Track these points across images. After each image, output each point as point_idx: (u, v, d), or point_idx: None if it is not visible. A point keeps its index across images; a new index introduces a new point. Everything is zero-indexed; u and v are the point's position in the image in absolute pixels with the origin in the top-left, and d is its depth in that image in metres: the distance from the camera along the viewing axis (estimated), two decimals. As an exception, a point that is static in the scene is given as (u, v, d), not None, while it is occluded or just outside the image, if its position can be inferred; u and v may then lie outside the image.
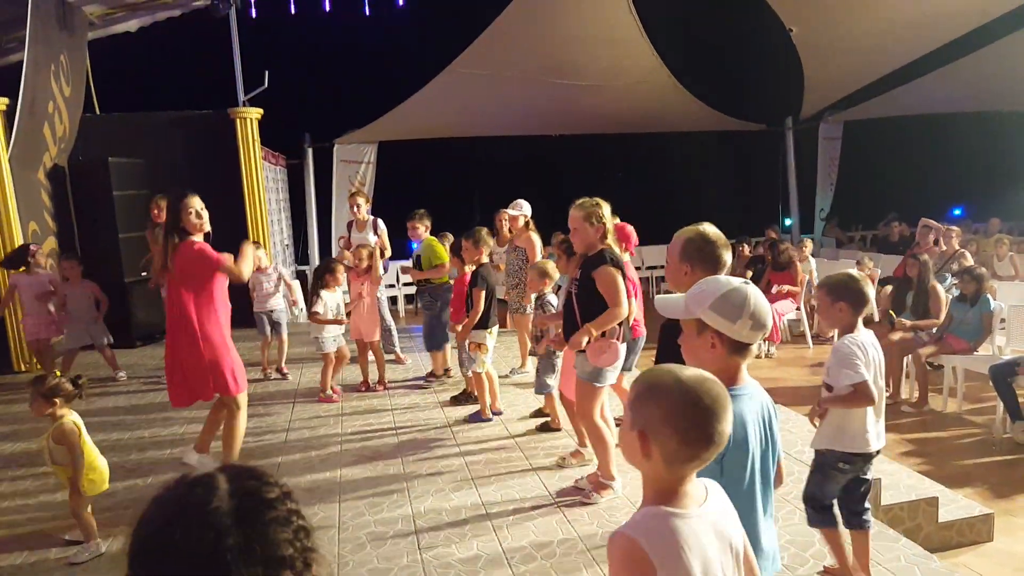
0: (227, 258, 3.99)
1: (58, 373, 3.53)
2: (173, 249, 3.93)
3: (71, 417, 3.42)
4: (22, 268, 6.65)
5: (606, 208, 3.73)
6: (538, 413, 5.17)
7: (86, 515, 3.50)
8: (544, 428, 4.96)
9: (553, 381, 4.87)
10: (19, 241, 7.23)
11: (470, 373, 5.44)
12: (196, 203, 3.95)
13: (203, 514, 0.88)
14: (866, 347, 2.91)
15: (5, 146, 7.13)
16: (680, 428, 1.34)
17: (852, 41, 10.54)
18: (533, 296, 5.52)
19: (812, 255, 9.49)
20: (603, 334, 3.64)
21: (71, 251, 7.37)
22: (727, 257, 2.40)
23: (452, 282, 6.31)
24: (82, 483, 3.40)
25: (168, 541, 0.87)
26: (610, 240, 3.75)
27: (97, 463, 3.52)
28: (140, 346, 8.24)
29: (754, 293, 1.81)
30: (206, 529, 0.87)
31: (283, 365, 6.76)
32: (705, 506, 1.40)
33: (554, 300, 5.16)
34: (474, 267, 5.28)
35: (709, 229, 2.44)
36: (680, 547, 1.33)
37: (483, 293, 5.12)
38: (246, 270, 4.11)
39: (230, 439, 4.16)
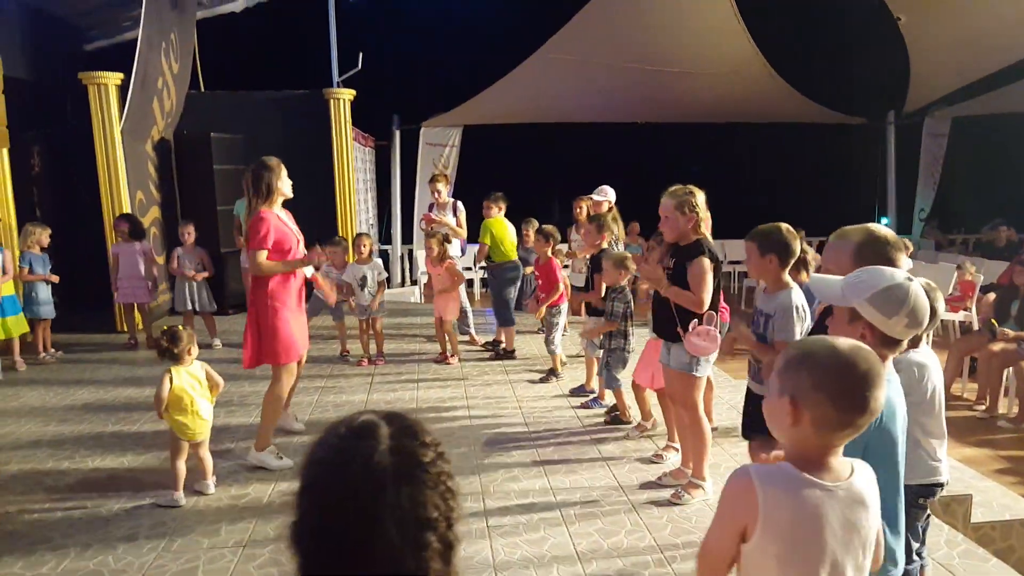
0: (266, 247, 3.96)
1: (164, 328, 3.73)
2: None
3: (175, 368, 3.67)
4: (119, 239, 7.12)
5: (700, 196, 3.60)
6: (612, 410, 4.97)
7: (177, 463, 3.71)
8: (615, 420, 4.89)
9: (622, 375, 4.79)
10: (128, 209, 7.70)
11: (556, 351, 5.79)
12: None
13: (367, 466, 0.95)
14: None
15: (119, 119, 7.59)
16: (832, 393, 1.33)
17: (965, 32, 9.85)
18: (604, 286, 4.91)
19: (911, 257, 8.97)
20: (700, 321, 3.50)
21: (187, 218, 7.64)
22: (902, 261, 2.18)
23: (516, 261, 6.47)
24: (168, 420, 3.67)
25: (334, 484, 0.96)
26: (704, 230, 3.62)
27: (190, 411, 3.67)
28: (232, 314, 8.67)
29: (916, 290, 1.74)
30: (368, 481, 0.95)
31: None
32: (842, 484, 1.36)
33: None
34: (595, 252, 5.18)
35: (881, 229, 2.23)
36: (794, 510, 1.31)
37: None
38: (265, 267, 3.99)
39: (264, 409, 4.21)
